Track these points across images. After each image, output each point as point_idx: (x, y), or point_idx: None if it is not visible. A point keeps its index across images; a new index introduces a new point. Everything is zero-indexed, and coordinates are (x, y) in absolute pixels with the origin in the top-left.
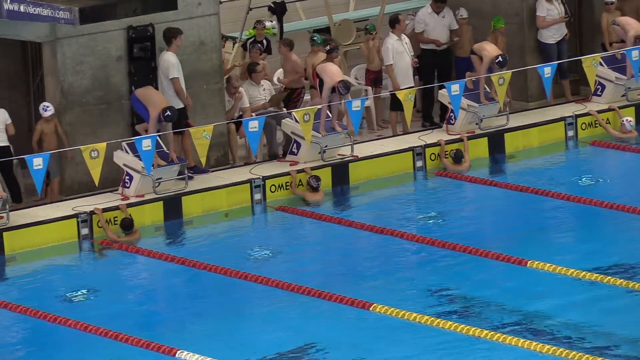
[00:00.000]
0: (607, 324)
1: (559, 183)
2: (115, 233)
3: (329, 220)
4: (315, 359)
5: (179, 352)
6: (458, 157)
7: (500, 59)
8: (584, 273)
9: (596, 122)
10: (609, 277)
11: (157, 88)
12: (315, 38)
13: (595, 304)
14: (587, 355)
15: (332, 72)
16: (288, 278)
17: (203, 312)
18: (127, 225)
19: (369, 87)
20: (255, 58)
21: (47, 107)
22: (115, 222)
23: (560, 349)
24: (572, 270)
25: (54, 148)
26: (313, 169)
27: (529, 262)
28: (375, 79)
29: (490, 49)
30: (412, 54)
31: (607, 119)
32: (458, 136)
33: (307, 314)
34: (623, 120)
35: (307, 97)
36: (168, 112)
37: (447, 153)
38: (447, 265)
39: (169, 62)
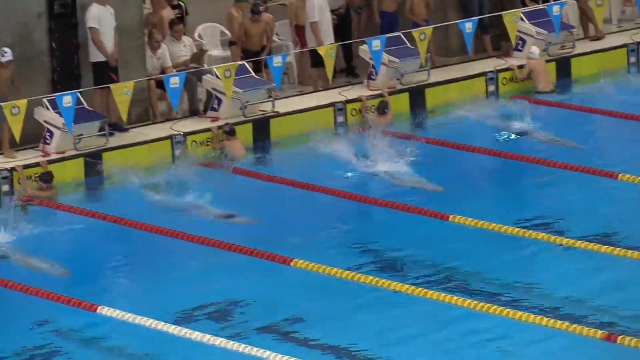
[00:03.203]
0: (528, 278)
1: (480, 137)
2: (34, 189)
3: (251, 175)
4: (236, 314)
5: (99, 307)
6: (382, 108)
7: None
8: (505, 227)
9: (516, 76)
10: (531, 232)
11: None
12: None
13: (517, 258)
14: (507, 310)
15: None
16: (209, 234)
17: (125, 268)
18: (47, 178)
19: (290, 44)
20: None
21: (5, 52)
22: (37, 179)
23: (482, 303)
24: (494, 224)
25: (4, 95)
26: (235, 124)
27: (451, 216)
28: (304, 34)
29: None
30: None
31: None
32: (379, 91)
33: (228, 270)
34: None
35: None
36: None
37: (369, 108)
38: (369, 220)
39: (90, 12)
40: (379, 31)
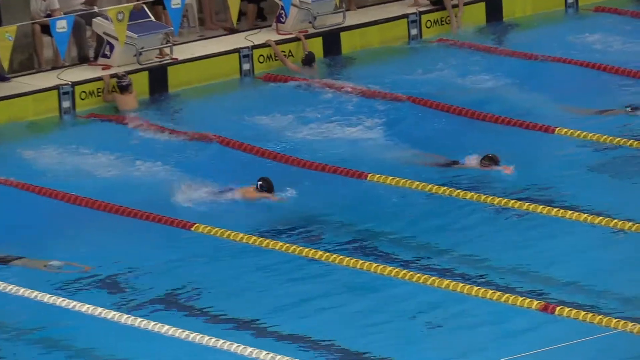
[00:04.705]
0: (455, 243)
1: (404, 86)
2: None
3: (146, 128)
4: (132, 284)
5: None
6: (309, 61)
7: None
8: (430, 186)
9: (447, 18)
10: (459, 191)
11: None
12: None
13: (444, 221)
14: (433, 278)
15: None
16: (100, 196)
17: (11, 234)
18: None
19: None
20: None
21: None
22: None
23: (404, 271)
24: (418, 183)
25: None
26: (129, 73)
27: (369, 175)
28: None
29: None
30: None
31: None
32: (291, 35)
33: (123, 236)
34: None
35: None
36: None
37: (285, 53)
38: (280, 179)
39: None
40: None
